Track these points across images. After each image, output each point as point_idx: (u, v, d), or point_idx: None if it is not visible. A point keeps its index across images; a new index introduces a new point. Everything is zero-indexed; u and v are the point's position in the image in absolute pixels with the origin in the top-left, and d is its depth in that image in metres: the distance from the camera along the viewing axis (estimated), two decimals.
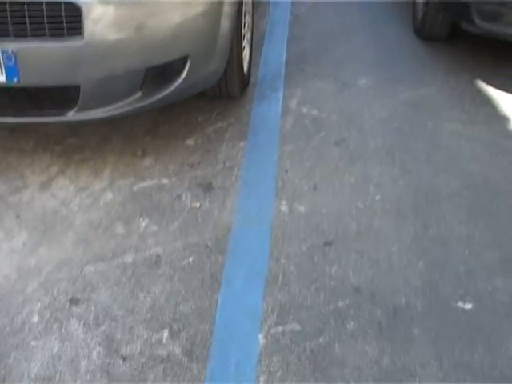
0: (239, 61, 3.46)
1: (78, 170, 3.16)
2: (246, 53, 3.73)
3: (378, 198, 2.98)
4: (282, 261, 2.57)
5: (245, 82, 3.73)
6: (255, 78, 4.05)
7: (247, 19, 3.78)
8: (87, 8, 2.64)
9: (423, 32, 4.78)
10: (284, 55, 4.46)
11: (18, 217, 2.82)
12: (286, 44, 4.67)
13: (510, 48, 4.56)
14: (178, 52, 2.92)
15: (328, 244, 2.67)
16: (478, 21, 4.07)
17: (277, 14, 5.28)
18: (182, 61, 2.95)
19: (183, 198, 2.95)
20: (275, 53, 4.49)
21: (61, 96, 2.89)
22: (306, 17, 5.28)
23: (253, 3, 4.02)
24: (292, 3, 5.62)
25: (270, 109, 3.70)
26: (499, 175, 3.22)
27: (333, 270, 2.53)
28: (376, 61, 4.47)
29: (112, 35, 2.70)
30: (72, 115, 2.88)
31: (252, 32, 4.06)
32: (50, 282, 2.46)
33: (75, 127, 3.45)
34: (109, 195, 2.97)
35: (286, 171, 3.15)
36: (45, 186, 3.04)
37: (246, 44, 3.74)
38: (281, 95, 3.87)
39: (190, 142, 3.38)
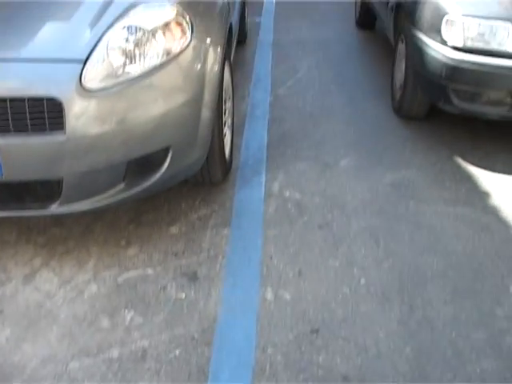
0: (221, 148, 3.52)
1: (61, 261, 3.17)
2: (227, 139, 3.79)
3: (363, 281, 3.01)
4: (269, 350, 2.58)
5: (227, 167, 3.79)
6: (237, 162, 4.11)
7: (228, 105, 3.86)
8: (69, 103, 2.70)
9: (402, 111, 4.89)
10: (265, 138, 4.54)
11: (1, 311, 2.82)
12: (266, 126, 4.75)
13: (486, 122, 4.67)
14: (160, 143, 2.97)
15: (315, 331, 2.69)
16: (456, 101, 4.18)
17: (257, 96, 5.39)
18: (164, 152, 3.01)
19: (168, 288, 2.97)
20: (256, 136, 4.56)
21: (43, 189, 2.92)
22: (285, 97, 5.39)
23: (233, 89, 4.11)
24: (272, 83, 5.73)
25: (252, 193, 3.75)
26: (482, 253, 3.27)
27: (320, 359, 2.54)
28: (356, 140, 4.56)
29: (94, 129, 2.76)
30: (55, 208, 2.91)
31: (233, 117, 4.15)
32: (35, 379, 2.46)
33: (58, 217, 3.48)
34: (93, 287, 2.98)
35: (271, 257, 3.18)
36: (28, 278, 3.05)
37: (227, 130, 3.81)
38: (263, 179, 3.93)
39: (173, 229, 3.42)
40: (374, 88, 5.66)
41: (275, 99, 5.33)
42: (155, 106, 2.90)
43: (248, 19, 7.42)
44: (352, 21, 8.14)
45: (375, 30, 7.62)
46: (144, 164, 2.98)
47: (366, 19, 7.66)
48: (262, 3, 9.31)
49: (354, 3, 8.32)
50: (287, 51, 6.85)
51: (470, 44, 4.01)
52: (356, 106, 5.23)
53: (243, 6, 6.58)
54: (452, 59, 4.06)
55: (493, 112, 4.18)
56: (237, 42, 5.45)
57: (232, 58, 4.50)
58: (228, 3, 4.10)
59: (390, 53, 5.63)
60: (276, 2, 9.34)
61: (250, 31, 7.37)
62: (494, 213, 3.65)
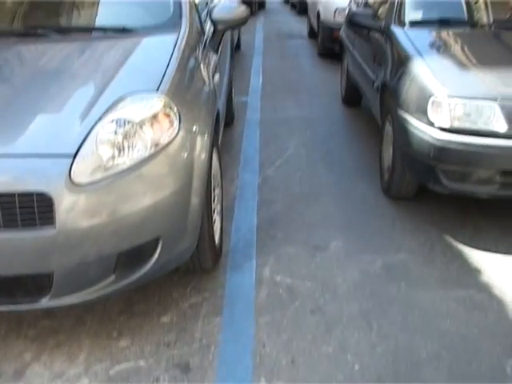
0: (211, 235, 3.58)
1: (52, 355, 3.18)
2: (216, 226, 3.84)
3: (357, 367, 3.04)
4: None
5: (217, 253, 3.84)
6: (227, 247, 4.17)
7: (216, 192, 3.92)
8: (58, 198, 2.77)
9: (391, 192, 4.96)
10: (255, 221, 4.60)
11: None
12: (256, 208, 4.82)
13: (475, 199, 4.73)
14: (150, 234, 3.03)
15: None
16: (445, 181, 4.24)
17: (246, 177, 5.48)
18: (154, 242, 3.06)
19: (161, 380, 2.98)
20: (246, 219, 4.63)
21: (34, 283, 2.95)
22: (274, 178, 5.48)
23: (221, 175, 4.18)
24: (260, 164, 5.83)
25: (243, 279, 3.79)
26: (476, 332, 3.31)
27: None
28: (346, 222, 4.63)
29: (84, 223, 2.82)
30: (46, 302, 2.95)
31: (222, 203, 4.21)
32: None
33: (49, 309, 3.48)
34: (85, 381, 2.99)
35: (264, 345, 3.21)
36: (19, 373, 3.07)
37: (216, 216, 3.86)
38: (254, 264, 3.98)
39: (165, 319, 3.44)
40: (362, 166, 5.76)
41: (264, 181, 5.42)
42: (145, 198, 2.96)
43: (235, 99, 7.56)
44: (338, 98, 8.31)
45: (361, 106, 7.77)
46: (134, 255, 3.03)
47: (352, 96, 7.82)
48: (249, 82, 9.51)
49: (340, 80, 8.49)
50: (274, 130, 6.98)
51: (456, 124, 4.11)
52: (344, 186, 5.32)
53: (230, 86, 6.74)
54: (440, 140, 4.15)
55: (483, 191, 4.25)
56: (224, 122, 5.56)
57: (220, 142, 4.59)
58: (214, 89, 4.21)
59: (377, 130, 5.74)
60: (262, 81, 9.54)
61: (237, 111, 7.50)
62: (486, 290, 3.70)
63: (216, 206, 3.89)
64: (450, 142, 4.11)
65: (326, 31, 11.22)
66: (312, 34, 13.82)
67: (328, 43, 11.12)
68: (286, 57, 11.92)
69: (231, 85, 6.89)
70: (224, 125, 5.51)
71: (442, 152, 4.16)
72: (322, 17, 11.51)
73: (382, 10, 6.31)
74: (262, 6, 22.82)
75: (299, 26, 16.81)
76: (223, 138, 5.33)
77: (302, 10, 18.55)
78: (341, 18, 9.36)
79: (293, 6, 22.56)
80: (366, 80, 6.29)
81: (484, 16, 5.72)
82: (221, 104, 4.75)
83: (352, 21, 6.35)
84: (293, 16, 20.40)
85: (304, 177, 5.54)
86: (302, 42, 13.91)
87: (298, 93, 8.79)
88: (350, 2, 8.37)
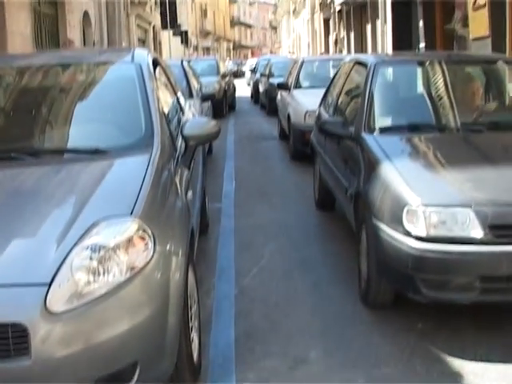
0: (189, 353, 3.62)
1: None
2: (195, 343, 3.86)
3: None
4: None
5: (196, 370, 3.84)
6: (207, 361, 4.17)
7: (193, 310, 3.96)
8: (34, 328, 2.83)
9: (368, 300, 4.97)
10: (232, 334, 4.62)
11: None
12: (233, 321, 4.85)
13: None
14: (128, 359, 3.07)
15: None
16: (424, 291, 4.26)
17: (222, 289, 5.52)
18: (132, 367, 3.09)
19: None
20: (224, 332, 4.65)
21: None
22: (250, 288, 5.53)
23: (197, 291, 4.23)
24: (236, 273, 5.88)
25: None
26: None
27: None
28: (324, 330, 4.69)
29: (60, 352, 2.88)
30: None
31: (199, 319, 4.24)
32: None
33: None
34: None
35: None
36: None
37: (194, 334, 3.89)
38: (233, 380, 3.98)
39: None
40: (338, 272, 5.84)
41: (240, 291, 5.47)
42: (122, 323, 3.03)
43: (209, 205, 7.60)
44: (312, 202, 8.35)
45: (335, 209, 7.79)
46: (112, 381, 3.04)
47: (326, 200, 7.82)
48: (222, 187, 9.64)
49: (313, 184, 8.53)
50: (249, 237, 7.07)
51: (433, 233, 4.18)
52: (321, 293, 5.38)
53: (203, 195, 6.80)
54: (417, 249, 4.20)
55: (464, 298, 4.29)
56: (199, 231, 5.62)
57: (195, 256, 4.64)
58: (188, 205, 4.29)
59: (352, 234, 5.80)
60: (235, 186, 9.68)
61: (211, 218, 7.54)
62: None
63: (193, 324, 3.92)
64: (427, 250, 4.17)
65: (297, 134, 11.33)
66: (283, 135, 13.99)
67: (300, 146, 11.15)
68: (258, 160, 12.14)
69: (204, 194, 6.97)
70: (199, 233, 5.57)
71: (420, 261, 4.21)
72: (293, 119, 11.67)
73: (351, 116, 6.46)
74: (232, 107, 23.33)
75: (269, 126, 17.12)
76: (198, 247, 5.39)
77: (271, 110, 18.84)
78: (311, 121, 9.41)
79: (262, 106, 23.02)
80: (339, 186, 6.34)
81: (452, 120, 5.93)
82: (195, 220, 4.83)
83: (322, 129, 6.42)
84: (263, 116, 20.80)
85: (280, 285, 5.59)
86: (274, 144, 14.17)
87: (272, 197, 8.92)
88: (320, 106, 8.50)
